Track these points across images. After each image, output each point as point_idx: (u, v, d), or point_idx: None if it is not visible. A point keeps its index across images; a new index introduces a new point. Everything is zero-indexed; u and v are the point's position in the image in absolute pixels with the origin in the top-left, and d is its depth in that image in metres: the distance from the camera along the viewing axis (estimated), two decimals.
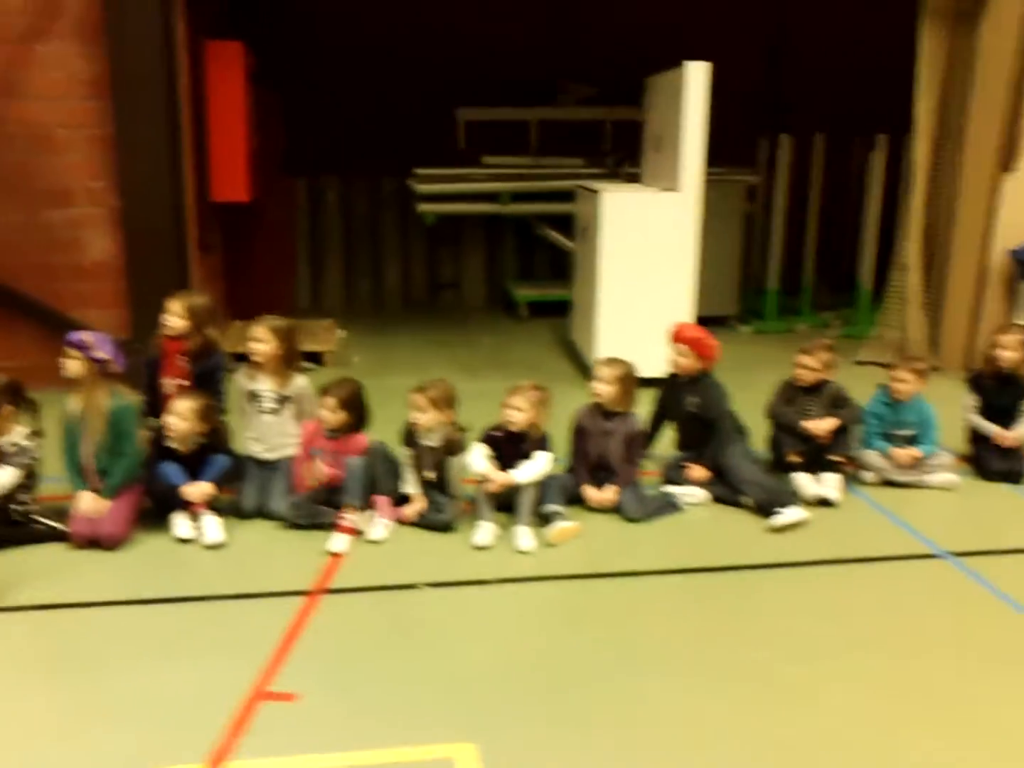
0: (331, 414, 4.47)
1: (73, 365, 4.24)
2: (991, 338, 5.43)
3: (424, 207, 9.24)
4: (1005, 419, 5.26)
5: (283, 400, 4.71)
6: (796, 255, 9.50)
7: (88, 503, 4.23)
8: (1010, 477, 5.14)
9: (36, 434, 4.31)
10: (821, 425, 4.94)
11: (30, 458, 4.26)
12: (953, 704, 3.14)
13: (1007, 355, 5.23)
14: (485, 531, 4.30)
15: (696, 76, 6.41)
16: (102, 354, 4.25)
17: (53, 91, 6.28)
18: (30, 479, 4.30)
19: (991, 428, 5.24)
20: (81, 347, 4.24)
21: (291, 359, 4.77)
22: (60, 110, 6.32)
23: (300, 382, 4.77)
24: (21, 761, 2.80)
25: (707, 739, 2.94)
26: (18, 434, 4.24)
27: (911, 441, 5.10)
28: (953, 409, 5.43)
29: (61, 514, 4.28)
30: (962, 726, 3.02)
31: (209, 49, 7.04)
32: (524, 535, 4.30)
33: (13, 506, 4.23)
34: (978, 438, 5.31)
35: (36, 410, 4.33)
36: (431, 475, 4.54)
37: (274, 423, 4.70)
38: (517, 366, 7.34)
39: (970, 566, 4.16)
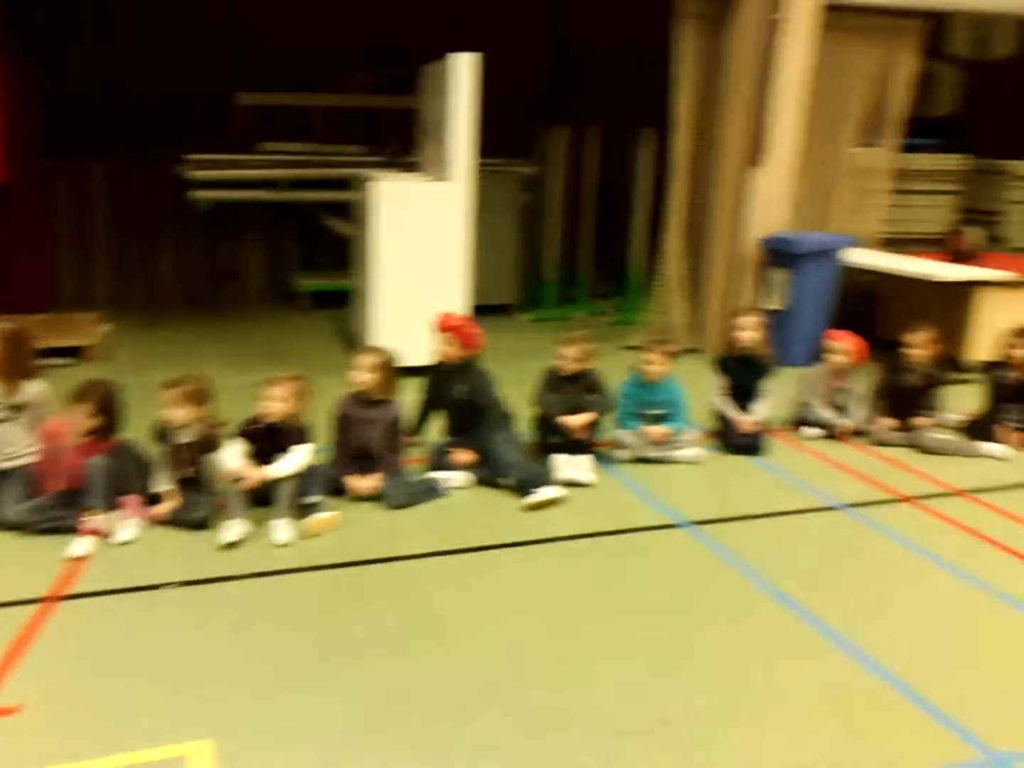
0: (82, 418, 4.26)
1: None
2: (731, 321, 5.85)
3: (198, 194, 8.92)
4: (750, 398, 5.69)
5: (14, 408, 4.44)
6: (574, 245, 9.85)
7: None
8: (750, 450, 5.56)
9: None
10: (576, 420, 5.15)
11: None
12: (705, 658, 3.39)
13: (745, 336, 5.65)
14: (233, 528, 4.22)
15: (463, 68, 6.51)
16: None
17: None
18: None
19: (732, 413, 5.65)
20: None
21: (20, 365, 4.50)
22: None
23: (34, 388, 4.51)
24: None
25: (468, 714, 3.02)
26: None
27: (662, 419, 5.42)
28: (707, 389, 5.82)
29: None
30: (713, 677, 3.26)
31: None
32: (280, 528, 4.26)
33: None
34: (723, 415, 5.72)
35: None
36: (186, 472, 4.42)
37: (4, 432, 4.43)
38: (295, 358, 7.23)
39: (708, 533, 4.48)
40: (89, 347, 7.03)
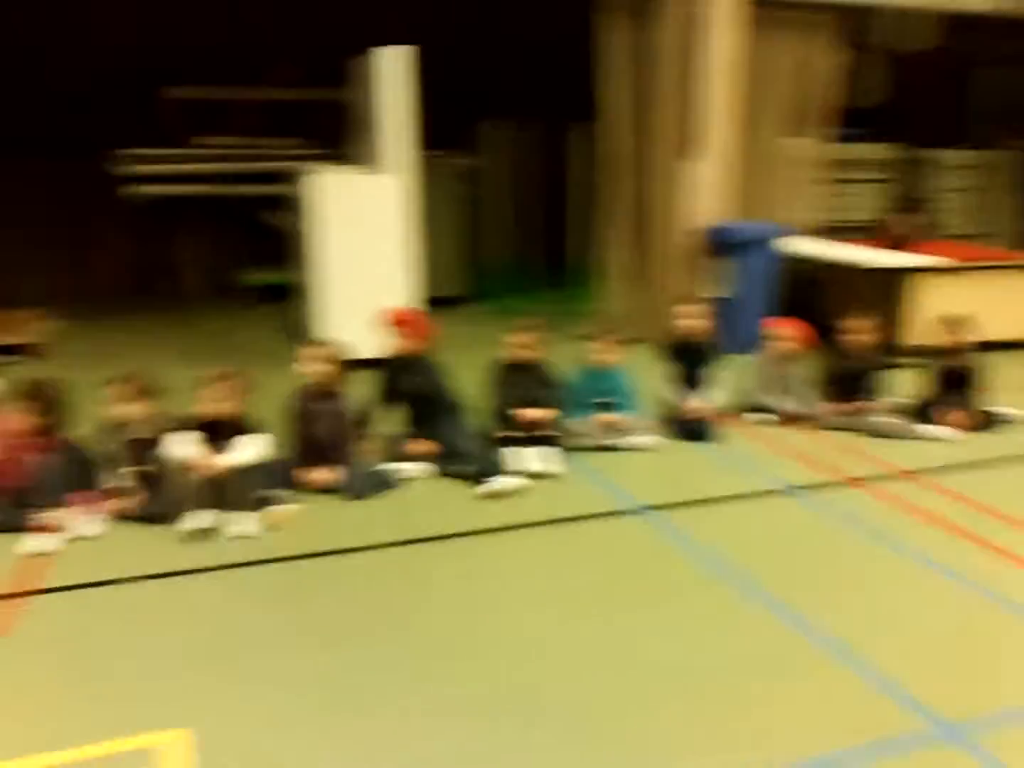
0: (25, 417, 4.19)
1: None
2: (674, 310, 5.96)
3: (132, 189, 8.78)
4: (697, 384, 5.80)
5: None
6: (521, 237, 9.92)
7: None
8: (698, 436, 5.67)
9: None
10: (531, 414, 5.20)
11: None
12: (647, 636, 3.46)
13: (688, 324, 5.76)
14: (194, 518, 4.20)
15: (394, 61, 6.51)
16: None
17: None
18: None
19: (677, 399, 5.75)
20: None
21: None
22: None
23: None
24: None
25: (432, 710, 3.05)
26: None
27: (612, 408, 5.50)
28: (653, 376, 5.92)
29: None
30: (653, 656, 3.33)
31: None
32: (236, 521, 4.24)
33: None
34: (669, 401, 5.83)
35: None
36: (142, 467, 4.37)
37: None
38: (238, 352, 7.18)
39: (660, 518, 4.57)
40: (32, 344, 6.88)
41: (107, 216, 9.49)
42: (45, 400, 4.27)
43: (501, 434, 5.24)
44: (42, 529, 4.05)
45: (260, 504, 4.37)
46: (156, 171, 8.70)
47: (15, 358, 6.71)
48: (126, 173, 8.62)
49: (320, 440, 4.77)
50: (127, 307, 9.07)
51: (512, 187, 9.69)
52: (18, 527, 4.09)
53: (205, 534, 4.18)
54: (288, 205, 7.96)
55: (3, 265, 9.20)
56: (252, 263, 9.93)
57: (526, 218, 9.98)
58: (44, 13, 8.79)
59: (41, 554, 3.95)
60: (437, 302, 7.69)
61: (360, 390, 5.05)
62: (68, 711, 2.97)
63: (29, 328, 7.20)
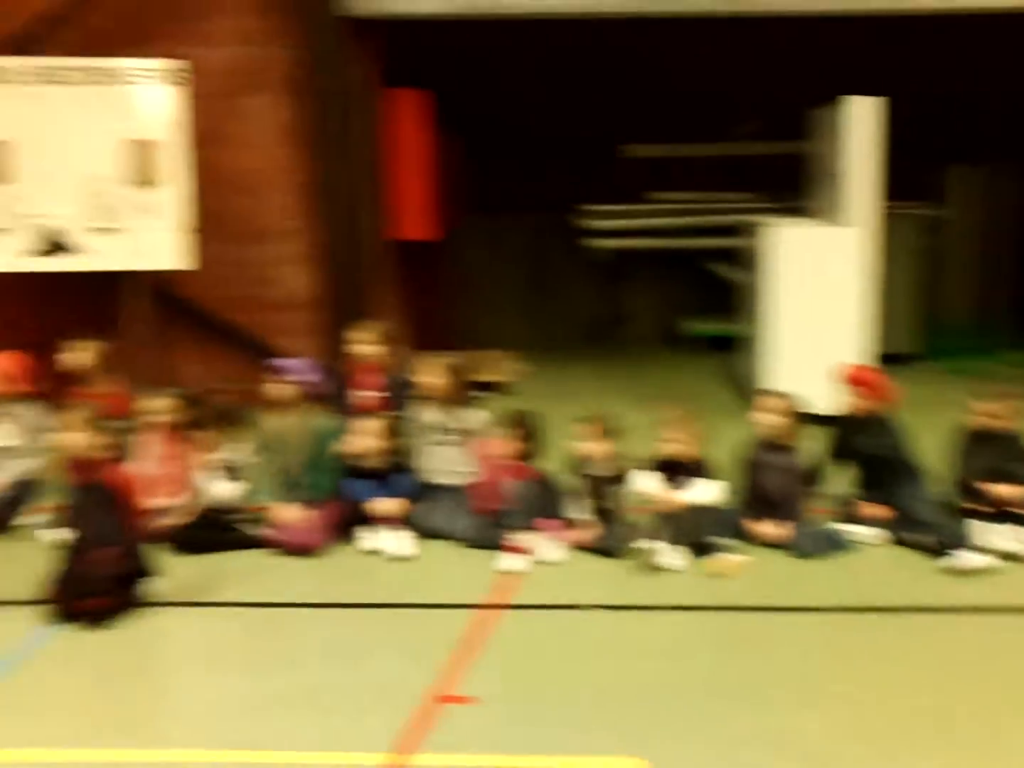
0: (506, 443, 4.71)
1: (279, 388, 4.70)
2: None
3: (597, 242, 9.46)
4: None
5: (453, 431, 4.99)
6: (988, 291, 9.10)
7: (288, 513, 4.64)
8: None
9: (248, 450, 4.79)
10: (1000, 489, 4.73)
11: (244, 472, 4.74)
12: None
13: None
14: (663, 552, 4.40)
15: (862, 111, 6.34)
16: (306, 378, 4.69)
17: (258, 140, 6.90)
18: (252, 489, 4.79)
19: None
20: (287, 372, 4.69)
21: (461, 393, 5.08)
22: (264, 157, 6.93)
23: (474, 414, 5.05)
24: (219, 735, 3.14)
25: None
26: (239, 450, 4.74)
27: None
28: None
29: (262, 523, 4.70)
30: None
31: (395, 97, 7.52)
32: (675, 555, 4.40)
33: (223, 515, 4.69)
34: None
35: (247, 428, 4.82)
36: (600, 503, 4.69)
37: (445, 453, 4.99)
38: (687, 399, 7.34)
39: None
40: (502, 382, 7.68)
41: (569, 266, 10.32)
42: (525, 429, 4.76)
43: (966, 506, 4.84)
44: (515, 550, 4.49)
45: (708, 548, 4.46)
46: (615, 226, 9.30)
47: (487, 394, 7.52)
48: (588, 227, 9.32)
49: (770, 493, 4.76)
50: (583, 351, 9.75)
51: (979, 237, 8.94)
52: (495, 545, 4.58)
53: (655, 567, 4.36)
54: (740, 257, 8.07)
55: (483, 309, 10.40)
56: (699, 313, 10.20)
57: (992, 271, 9.15)
58: (524, 85, 9.83)
59: (513, 572, 4.38)
60: (888, 359, 7.30)
61: (811, 446, 4.96)
62: (524, 720, 3.23)
63: (500, 367, 8.03)
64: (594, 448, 4.69)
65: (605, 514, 4.68)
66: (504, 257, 10.36)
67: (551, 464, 4.91)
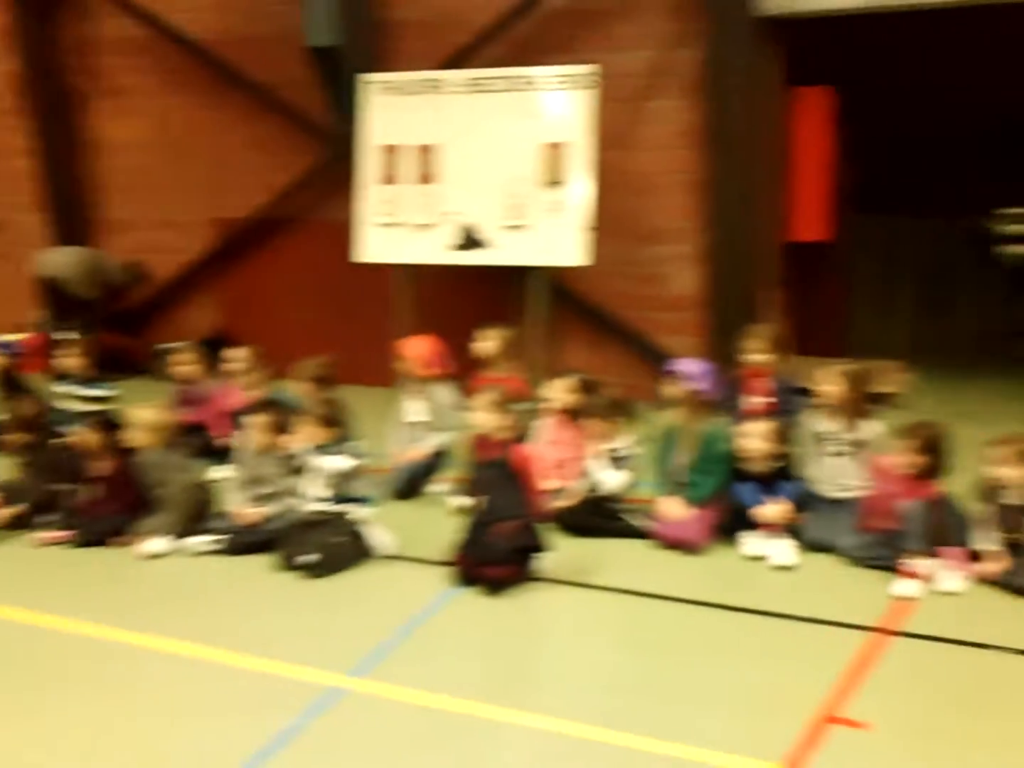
0: (908, 456, 4.41)
1: (674, 390, 4.80)
2: None
3: (1006, 248, 8.59)
4: None
5: (850, 443, 4.78)
6: None
7: (674, 509, 4.73)
8: None
9: (635, 442, 4.96)
10: None
11: (631, 463, 4.90)
12: None
13: None
14: None
15: None
16: (701, 384, 4.75)
17: (656, 142, 7.04)
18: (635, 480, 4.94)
19: None
20: (683, 376, 4.78)
21: (860, 403, 4.83)
22: (661, 159, 7.07)
23: (871, 426, 4.81)
24: (594, 712, 3.24)
25: None
26: (626, 441, 4.91)
27: None
28: None
29: (646, 515, 4.83)
30: None
31: (798, 96, 7.31)
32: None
33: (607, 502, 4.88)
34: None
35: (637, 421, 4.98)
36: (1011, 535, 4.26)
37: (840, 465, 4.80)
38: None
39: None
40: (891, 395, 7.21)
41: (969, 273, 9.47)
42: (928, 444, 4.40)
43: None
44: (911, 575, 4.21)
45: None
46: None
47: (878, 406, 7.08)
48: (1000, 232, 8.49)
49: None
50: (976, 366, 8.89)
51: None
52: (884, 565, 4.32)
53: None
54: None
55: (871, 315, 9.82)
56: None
57: None
58: (924, 73, 9.12)
59: (908, 598, 4.11)
60: None
61: None
62: (920, 756, 3.02)
63: (889, 379, 7.53)
64: (1009, 474, 4.26)
65: (1017, 548, 4.24)
66: (896, 261, 9.72)
67: (954, 488, 4.53)
